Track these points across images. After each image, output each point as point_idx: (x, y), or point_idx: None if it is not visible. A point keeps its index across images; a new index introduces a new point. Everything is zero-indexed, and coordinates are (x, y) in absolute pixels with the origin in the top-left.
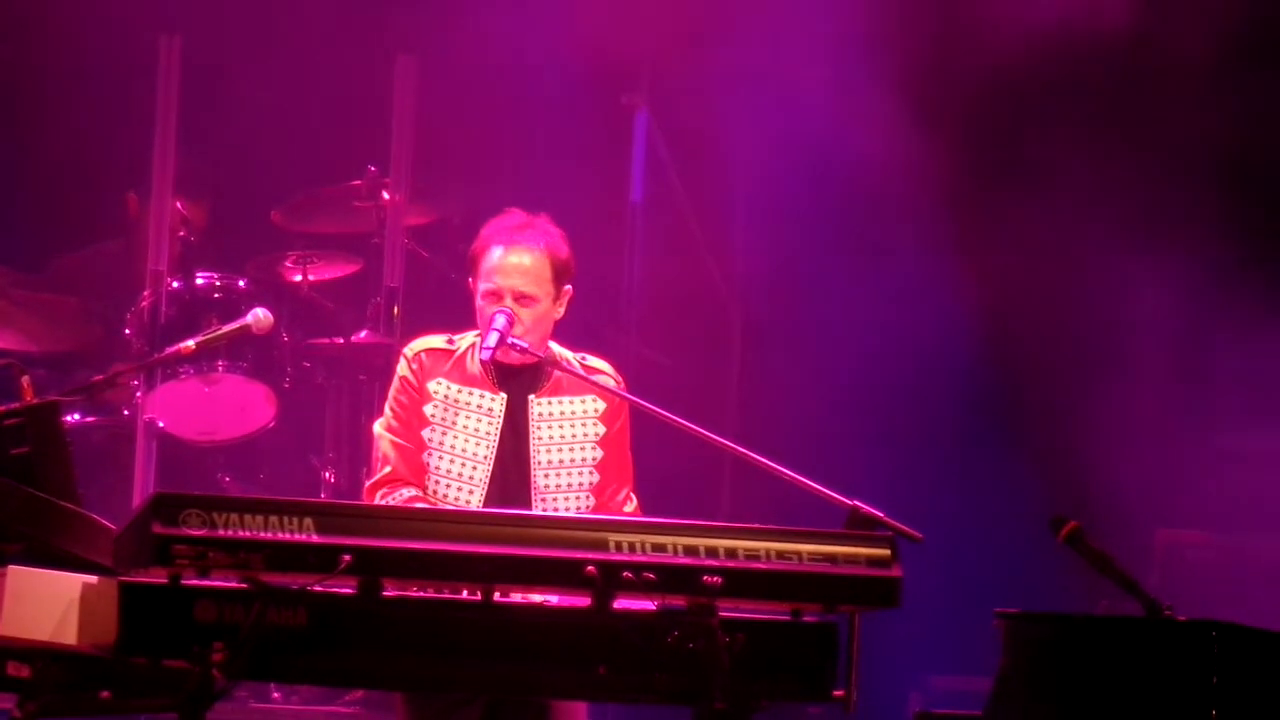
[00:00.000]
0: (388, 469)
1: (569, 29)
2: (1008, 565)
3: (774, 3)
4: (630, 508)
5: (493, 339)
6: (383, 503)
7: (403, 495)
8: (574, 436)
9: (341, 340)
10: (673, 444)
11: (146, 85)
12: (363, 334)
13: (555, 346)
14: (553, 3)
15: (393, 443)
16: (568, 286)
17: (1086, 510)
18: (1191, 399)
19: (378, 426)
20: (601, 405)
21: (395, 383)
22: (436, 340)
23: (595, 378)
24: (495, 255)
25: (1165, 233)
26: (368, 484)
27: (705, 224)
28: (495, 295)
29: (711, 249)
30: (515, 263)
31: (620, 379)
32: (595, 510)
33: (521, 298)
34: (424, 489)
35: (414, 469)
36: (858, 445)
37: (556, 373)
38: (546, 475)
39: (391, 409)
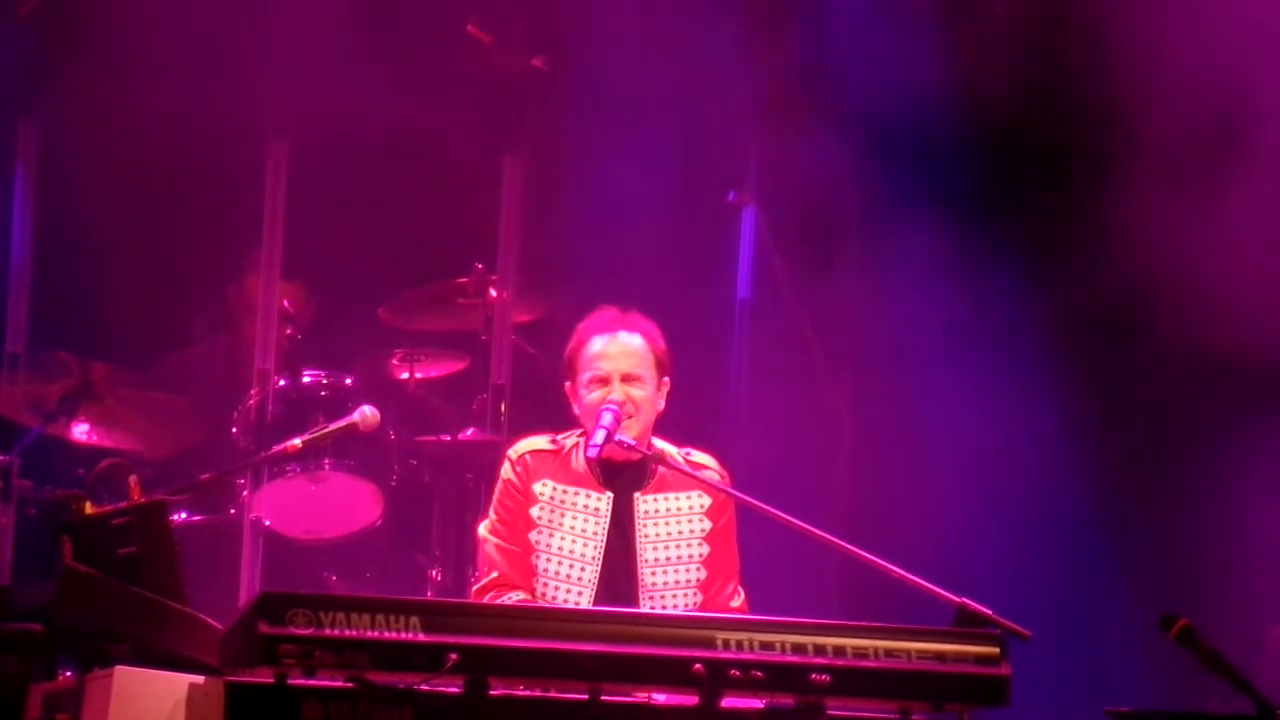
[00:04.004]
0: (494, 574)
1: (675, 127)
2: (1118, 663)
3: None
4: (738, 602)
5: (600, 436)
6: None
7: (510, 599)
8: (680, 533)
9: (449, 438)
10: (780, 539)
11: (254, 184)
12: (469, 432)
13: (659, 442)
14: (658, 103)
15: (498, 547)
16: (666, 379)
17: (1197, 608)
18: None
19: (483, 530)
20: (708, 500)
21: (500, 486)
22: (540, 441)
23: (701, 473)
24: (598, 344)
25: None
26: (474, 588)
27: (813, 317)
28: (602, 380)
29: (820, 342)
30: (620, 347)
31: (725, 473)
32: (703, 606)
33: (629, 378)
34: (531, 592)
35: (521, 572)
36: (967, 542)
37: (661, 469)
38: (654, 573)
39: (497, 512)
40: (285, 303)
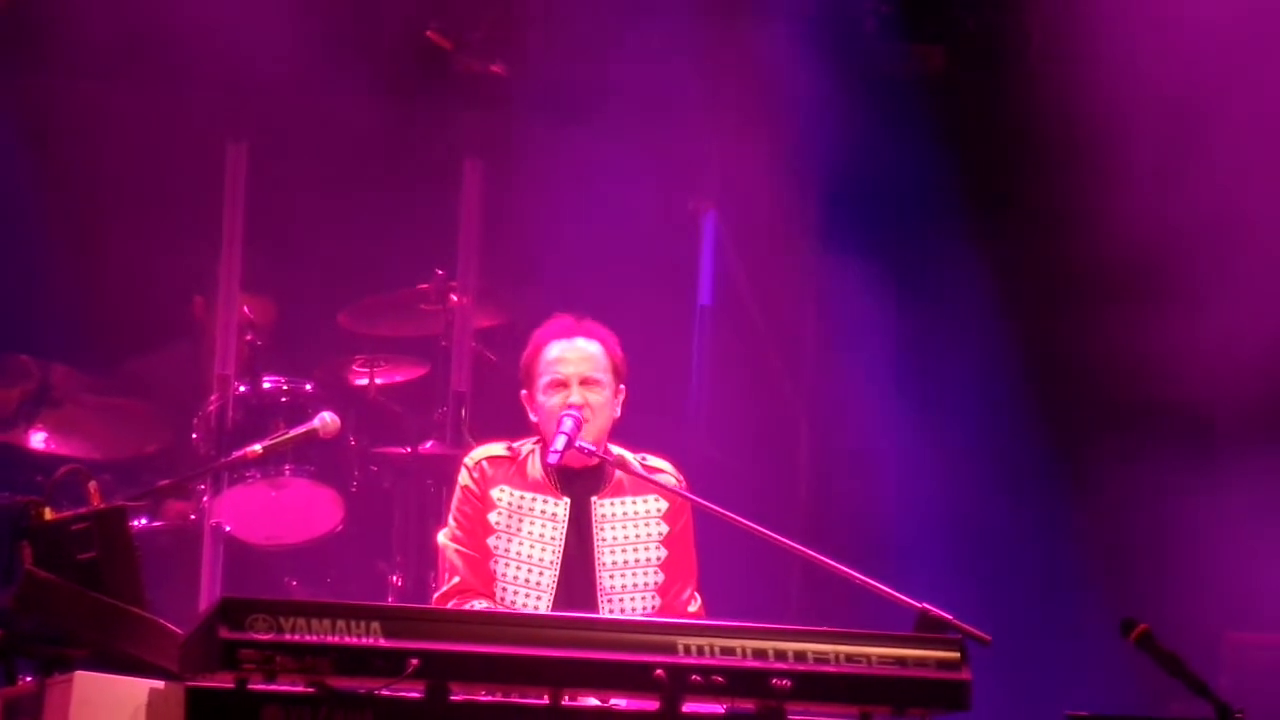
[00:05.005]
0: (456, 579)
1: (635, 133)
2: (1078, 667)
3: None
4: (694, 607)
5: (560, 442)
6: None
7: (474, 606)
8: (638, 536)
9: (409, 450)
10: (742, 544)
11: (214, 190)
12: (429, 444)
13: (615, 447)
14: (618, 105)
15: (459, 552)
16: (623, 387)
17: (1156, 612)
18: (1263, 500)
19: (442, 537)
20: (664, 504)
21: (458, 493)
22: (497, 448)
23: (657, 477)
24: (556, 349)
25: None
26: (437, 595)
27: (772, 324)
28: (561, 384)
29: (779, 349)
30: (577, 352)
31: (682, 478)
32: (661, 610)
33: (588, 382)
34: (493, 597)
35: (482, 578)
36: (928, 547)
37: (618, 473)
38: (612, 576)
39: (455, 519)
40: (246, 309)
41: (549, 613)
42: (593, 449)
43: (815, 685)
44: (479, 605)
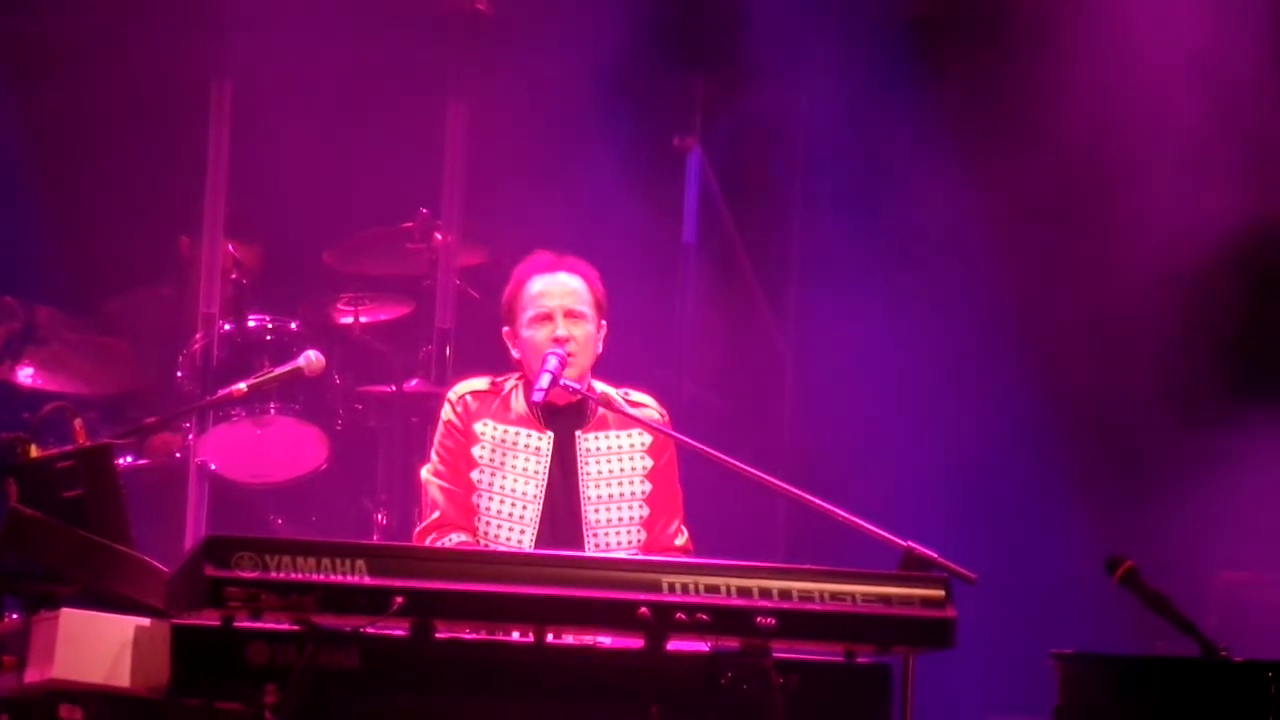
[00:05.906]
0: (436, 514)
1: (620, 70)
2: (1063, 605)
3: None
4: (681, 540)
5: (545, 380)
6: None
7: (452, 540)
8: (623, 470)
9: (393, 388)
10: (727, 482)
11: (198, 129)
12: (414, 382)
13: (598, 383)
14: (603, 44)
15: (440, 488)
16: (604, 322)
17: (1142, 550)
18: (1250, 440)
19: (425, 472)
20: (648, 438)
21: (441, 427)
22: (480, 382)
23: (640, 411)
24: (539, 283)
25: None
26: (417, 529)
27: (757, 261)
28: (545, 317)
29: (764, 286)
30: (560, 286)
31: (664, 412)
32: (647, 543)
33: (572, 314)
34: (473, 532)
35: (463, 512)
36: (913, 485)
37: (601, 408)
38: (597, 510)
39: (438, 454)
40: (231, 248)
41: (534, 550)
42: (577, 387)
43: (800, 623)
44: (456, 538)
